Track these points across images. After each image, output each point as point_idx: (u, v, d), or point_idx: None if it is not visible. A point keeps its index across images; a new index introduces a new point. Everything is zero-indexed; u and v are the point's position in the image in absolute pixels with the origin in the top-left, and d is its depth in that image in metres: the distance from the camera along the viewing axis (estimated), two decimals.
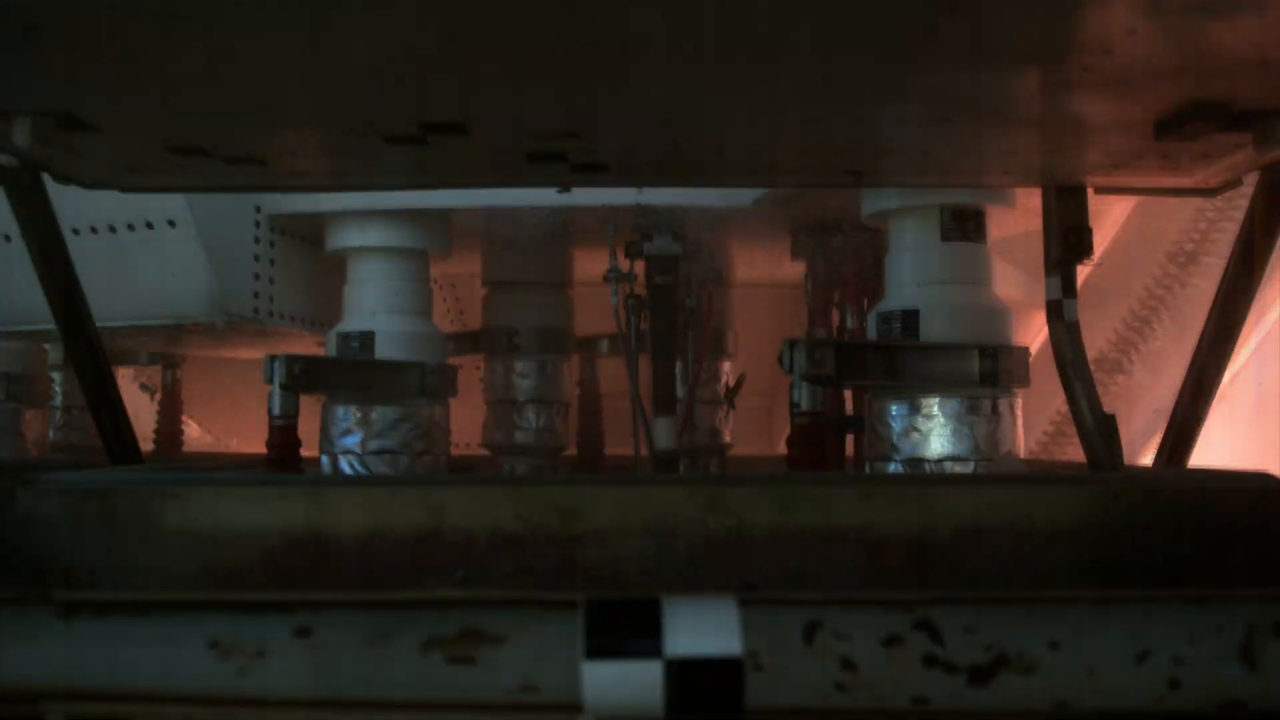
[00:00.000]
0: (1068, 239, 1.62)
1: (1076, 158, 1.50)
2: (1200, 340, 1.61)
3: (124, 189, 1.64)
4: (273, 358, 1.87)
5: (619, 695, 0.66)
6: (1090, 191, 1.64)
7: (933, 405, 1.73)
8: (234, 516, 1.22)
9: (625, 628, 0.69)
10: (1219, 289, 1.59)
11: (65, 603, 0.70)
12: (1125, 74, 1.14)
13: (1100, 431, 1.61)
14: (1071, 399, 1.64)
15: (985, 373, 1.70)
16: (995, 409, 1.73)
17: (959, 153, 1.47)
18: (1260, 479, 1.27)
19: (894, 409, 1.77)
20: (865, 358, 1.73)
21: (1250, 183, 1.56)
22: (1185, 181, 1.59)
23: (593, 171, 1.50)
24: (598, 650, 0.67)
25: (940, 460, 1.71)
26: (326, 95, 1.24)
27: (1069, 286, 1.64)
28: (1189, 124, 1.26)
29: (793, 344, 1.70)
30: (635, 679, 0.66)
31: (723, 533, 1.22)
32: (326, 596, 0.71)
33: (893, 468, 1.75)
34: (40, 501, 1.23)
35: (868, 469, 1.82)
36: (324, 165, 1.54)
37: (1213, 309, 1.60)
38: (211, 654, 0.66)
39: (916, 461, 1.72)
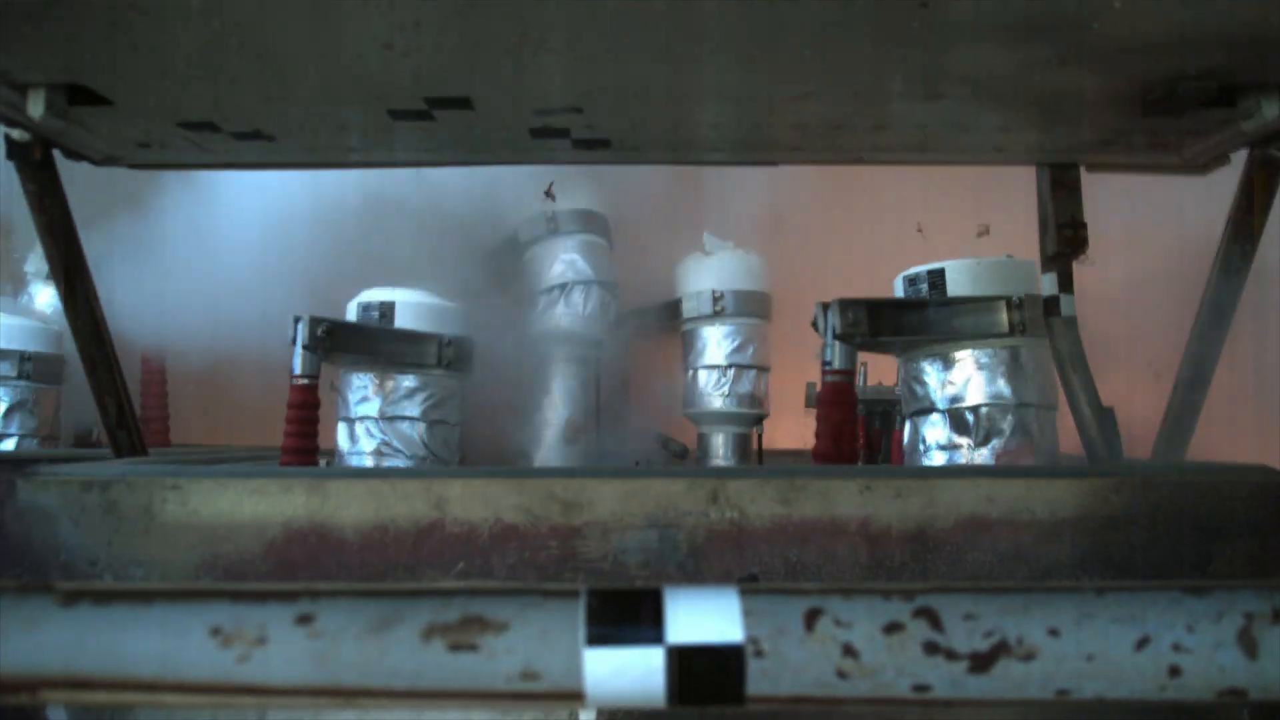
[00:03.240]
0: (1063, 233, 1.63)
1: (1068, 135, 1.53)
2: (1194, 325, 1.62)
3: (134, 166, 1.67)
4: (297, 318, 1.90)
5: (620, 682, 0.66)
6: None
7: (966, 357, 1.78)
8: (235, 508, 1.22)
9: (627, 616, 0.69)
10: (1211, 271, 1.59)
11: (66, 592, 0.70)
12: (1112, 48, 1.17)
13: (1099, 425, 1.61)
14: (1069, 393, 1.65)
15: (1015, 323, 1.74)
16: (1029, 356, 1.77)
17: (953, 129, 1.49)
18: (1260, 472, 1.27)
19: (927, 365, 1.82)
20: (897, 314, 1.79)
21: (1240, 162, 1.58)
22: (1174, 160, 1.62)
23: (595, 148, 1.53)
24: (599, 638, 0.67)
25: (978, 407, 1.76)
26: (334, 69, 1.26)
27: (1066, 282, 1.66)
28: (1176, 99, 1.29)
29: (825, 306, 1.75)
30: (637, 665, 0.66)
31: (724, 525, 1.22)
32: (328, 586, 0.71)
33: (934, 417, 1.78)
34: (41, 493, 1.23)
35: (906, 425, 1.85)
36: (332, 141, 1.57)
37: (1206, 292, 1.61)
38: (213, 641, 0.66)
39: (957, 413, 1.75)
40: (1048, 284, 1.68)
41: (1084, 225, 1.64)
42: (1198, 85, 1.28)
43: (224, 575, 1.21)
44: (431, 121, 1.43)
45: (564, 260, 2.42)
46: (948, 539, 1.22)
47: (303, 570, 1.20)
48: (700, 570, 1.21)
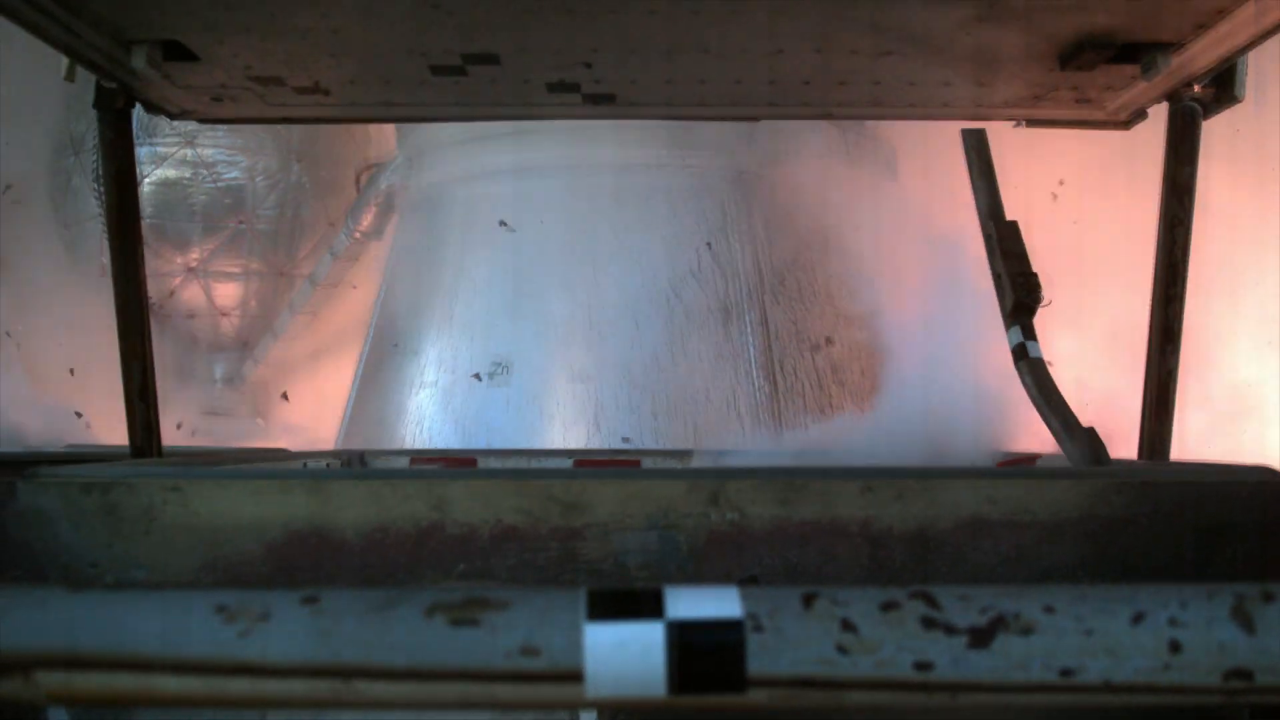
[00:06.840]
0: (1016, 283, 1.71)
1: (1003, 89, 1.70)
2: (1154, 288, 1.67)
3: (204, 120, 1.90)
4: None
5: (620, 659, 0.66)
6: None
7: None
8: (236, 510, 1.22)
9: (628, 609, 0.69)
10: (1159, 230, 1.67)
11: (77, 581, 0.71)
12: (1024, 6, 1.34)
13: (1084, 446, 1.63)
14: (1049, 422, 1.67)
15: None
16: None
17: (903, 84, 1.67)
18: (1259, 472, 1.27)
19: None
20: None
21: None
22: (1098, 114, 1.78)
23: (602, 103, 1.73)
24: (600, 613, 0.67)
25: None
26: (386, 24, 1.48)
27: (1029, 331, 1.72)
28: (1085, 55, 1.46)
29: None
30: (637, 641, 0.66)
31: (725, 526, 1.22)
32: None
33: None
34: (41, 495, 1.23)
35: None
36: (377, 96, 1.78)
37: (1157, 253, 1.66)
38: (217, 618, 0.67)
39: None
40: (1013, 335, 1.73)
41: (1035, 275, 1.71)
42: (1101, 41, 1.43)
43: (224, 576, 1.21)
44: (464, 77, 1.63)
45: None
46: (949, 540, 1.22)
47: (303, 572, 1.20)
48: (700, 571, 1.21)
